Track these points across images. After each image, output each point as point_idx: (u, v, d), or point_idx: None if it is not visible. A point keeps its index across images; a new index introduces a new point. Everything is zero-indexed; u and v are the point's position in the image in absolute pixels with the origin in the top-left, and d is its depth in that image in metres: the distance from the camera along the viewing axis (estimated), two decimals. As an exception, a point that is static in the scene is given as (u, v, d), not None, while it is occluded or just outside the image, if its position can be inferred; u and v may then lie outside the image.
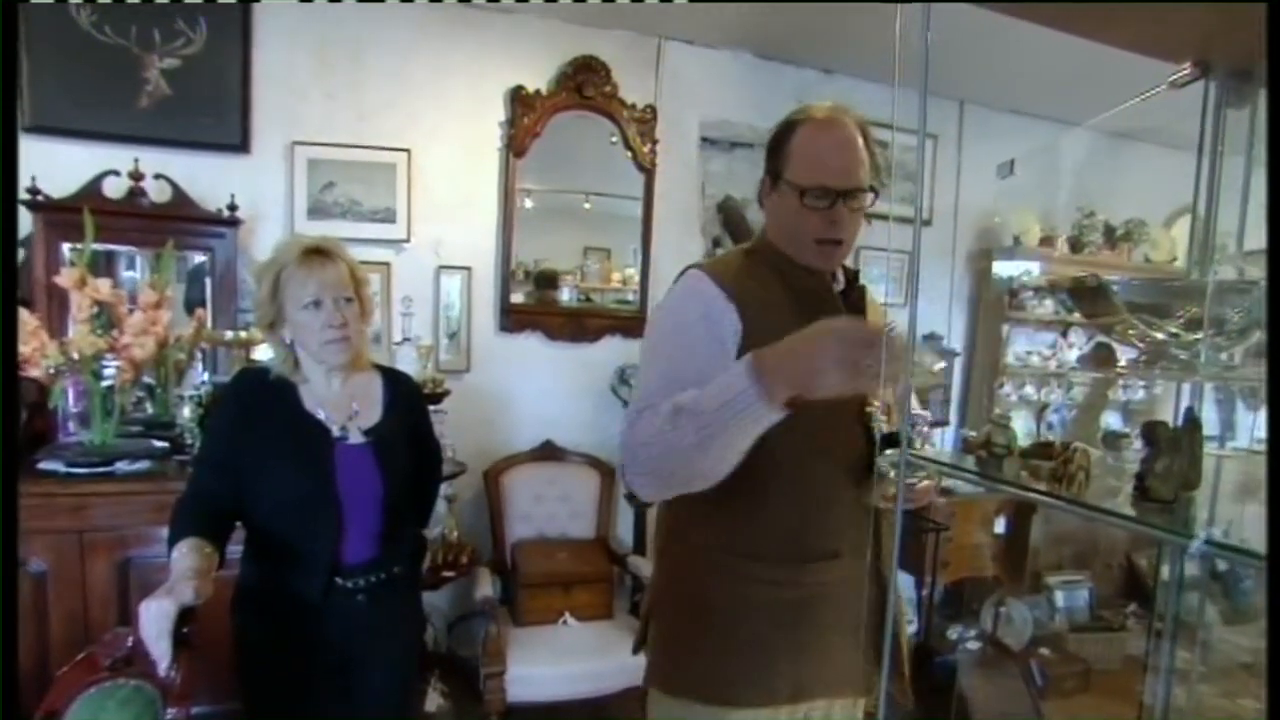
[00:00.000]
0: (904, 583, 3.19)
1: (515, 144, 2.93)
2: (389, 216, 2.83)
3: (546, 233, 3.11)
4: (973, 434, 0.91)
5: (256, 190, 2.70)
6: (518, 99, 2.93)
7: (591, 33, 3.05)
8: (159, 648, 1.10)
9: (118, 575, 2.24)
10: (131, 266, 2.62)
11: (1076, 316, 3.83)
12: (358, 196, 2.80)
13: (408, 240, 2.87)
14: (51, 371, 2.16)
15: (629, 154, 3.11)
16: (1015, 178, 3.39)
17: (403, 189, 2.83)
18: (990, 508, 3.38)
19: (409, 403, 1.65)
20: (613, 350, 3.17)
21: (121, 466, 2.30)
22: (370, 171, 2.79)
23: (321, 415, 1.49)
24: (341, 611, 1.47)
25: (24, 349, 2.15)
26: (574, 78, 2.98)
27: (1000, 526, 3.45)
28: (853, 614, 1.11)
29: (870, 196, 1.22)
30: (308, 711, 1.46)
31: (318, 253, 1.46)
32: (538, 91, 2.96)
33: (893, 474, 1.01)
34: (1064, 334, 4.04)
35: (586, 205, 3.21)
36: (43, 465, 2.26)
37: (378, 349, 2.83)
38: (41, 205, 2.40)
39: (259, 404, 1.48)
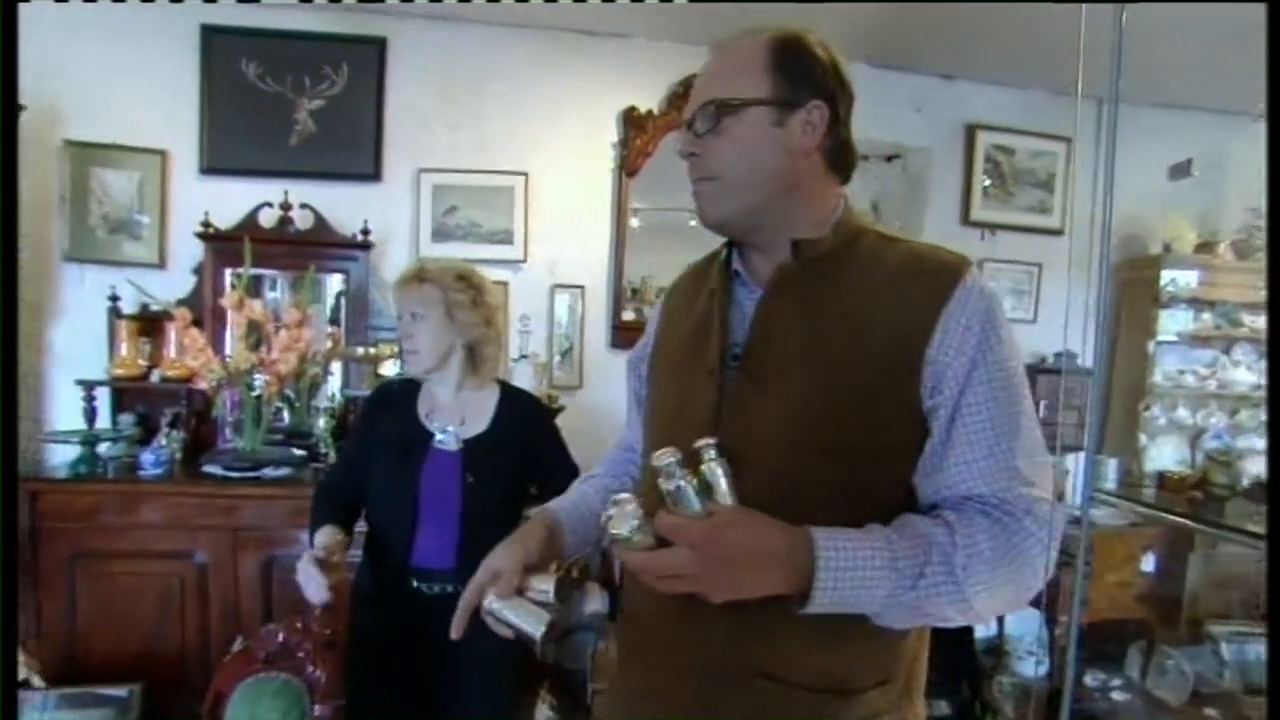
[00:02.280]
0: (1030, 620, 2.94)
1: (628, 164, 3.00)
2: (507, 238, 2.96)
3: (652, 250, 3.15)
4: (1178, 470, 0.78)
5: (387, 216, 2.91)
6: (630, 120, 3.00)
7: (702, 51, 3.04)
8: (312, 588, 1.38)
9: (263, 571, 2.44)
10: (274, 288, 2.88)
11: (1245, 330, 3.43)
12: (478, 219, 2.95)
13: (524, 260, 2.99)
14: (215, 385, 2.40)
15: (739, 169, 3.10)
16: (1163, 178, 3.11)
17: (520, 211, 2.96)
18: (1136, 543, 3.06)
19: (521, 419, 1.67)
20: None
21: (268, 472, 2.52)
22: (490, 195, 2.93)
23: (426, 420, 1.61)
24: (421, 615, 1.51)
25: (194, 364, 2.42)
26: (685, 96, 2.98)
27: (1149, 564, 3.12)
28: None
29: (713, 111, 0.84)
30: (391, 710, 1.52)
31: (412, 275, 1.62)
32: (649, 112, 3.01)
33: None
34: (1227, 350, 3.62)
35: (692, 223, 3.20)
36: (205, 469, 2.51)
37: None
38: (211, 236, 2.69)
39: (385, 406, 1.65)
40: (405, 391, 1.67)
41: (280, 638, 1.15)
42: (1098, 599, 2.99)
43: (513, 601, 0.86)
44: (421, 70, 2.96)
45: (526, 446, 1.64)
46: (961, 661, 2.73)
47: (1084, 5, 0.66)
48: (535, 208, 3.00)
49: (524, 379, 2.66)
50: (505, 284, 2.97)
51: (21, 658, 2.26)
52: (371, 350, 2.72)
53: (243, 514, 2.44)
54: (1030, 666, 2.72)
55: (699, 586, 0.73)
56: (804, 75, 0.85)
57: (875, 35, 2.96)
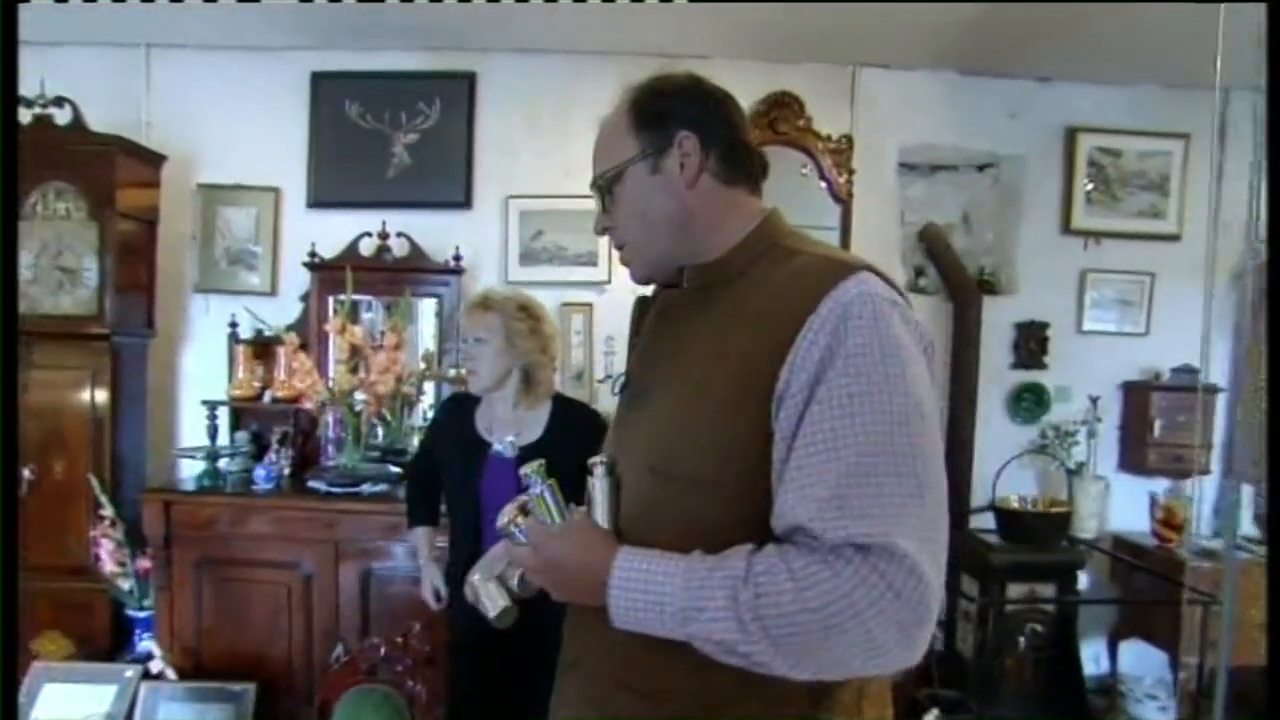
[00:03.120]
0: (1149, 658, 2.71)
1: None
2: (591, 260, 3.02)
3: None
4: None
5: (477, 241, 3.04)
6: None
7: (783, 69, 3.05)
8: (428, 590, 1.73)
9: (362, 582, 2.55)
10: (371, 310, 3.03)
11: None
12: (564, 243, 3.03)
13: (608, 282, 3.04)
14: (319, 405, 2.56)
15: (824, 185, 3.05)
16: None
17: (602, 234, 3.01)
18: (1280, 577, 2.78)
19: (574, 426, 1.81)
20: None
21: (366, 488, 2.65)
22: (575, 219, 3.00)
23: (484, 430, 1.81)
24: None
25: (301, 385, 2.58)
26: (767, 114, 2.99)
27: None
28: None
29: (602, 186, 0.91)
30: (474, 705, 1.66)
31: (478, 304, 1.84)
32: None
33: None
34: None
35: None
36: (310, 484, 2.67)
37: (579, 386, 3.02)
38: (316, 266, 2.89)
39: (450, 416, 1.91)
40: (468, 405, 1.87)
41: (381, 651, 1.20)
42: (1241, 640, 2.73)
43: (489, 582, 0.99)
44: (508, 101, 3.08)
45: (581, 454, 1.68)
46: (1067, 698, 2.57)
47: None
48: (617, 229, 3.05)
49: (609, 400, 2.70)
50: (590, 306, 3.03)
51: (157, 651, 2.47)
52: (462, 371, 2.82)
53: (343, 528, 2.57)
54: (1151, 711, 2.50)
55: (543, 584, 0.83)
56: (663, 116, 0.87)
57: (965, 42, 2.86)
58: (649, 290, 0.99)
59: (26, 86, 2.75)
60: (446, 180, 3.03)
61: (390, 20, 2.79)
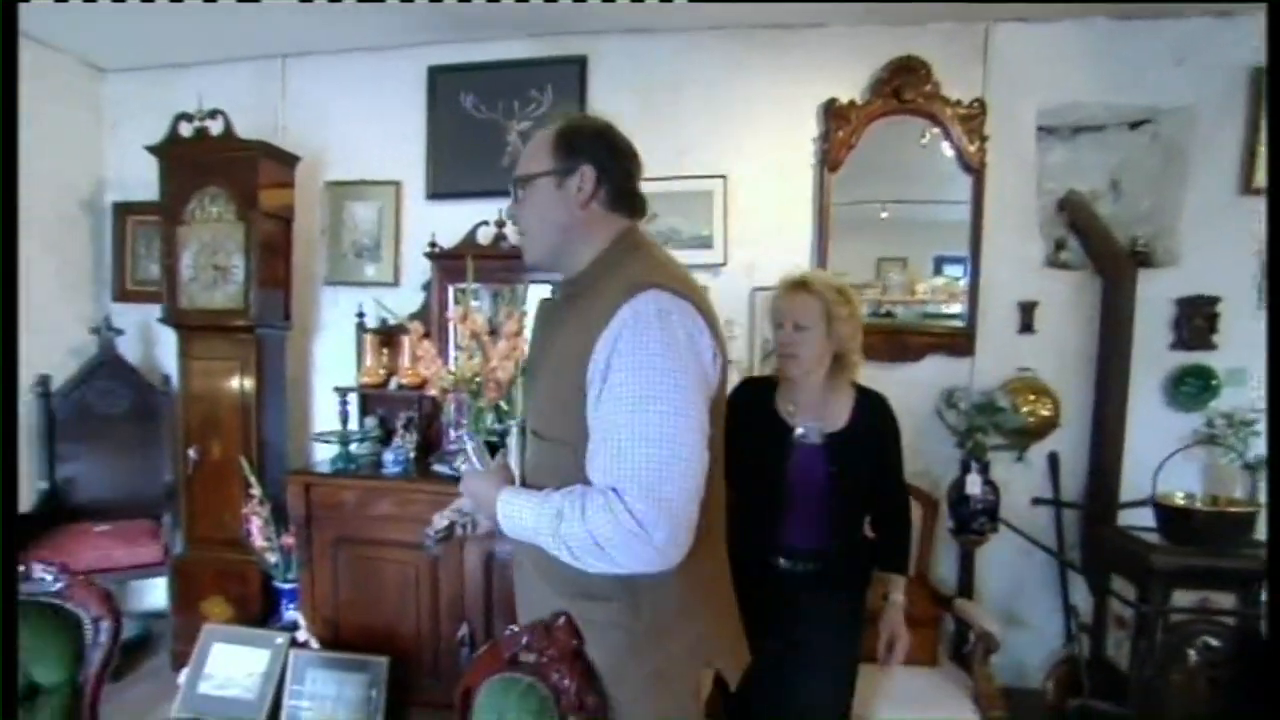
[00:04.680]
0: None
1: (829, 158, 2.85)
2: (706, 242, 2.95)
3: (848, 246, 2.95)
4: None
5: (591, 227, 3.02)
6: (831, 112, 2.85)
7: (907, 32, 2.85)
8: None
9: (484, 566, 2.63)
10: (492, 299, 3.08)
11: None
12: (678, 225, 2.96)
13: (724, 264, 2.96)
14: (443, 391, 2.62)
15: (952, 155, 2.83)
16: None
17: (719, 214, 2.93)
18: None
19: (877, 419, 1.80)
20: (937, 370, 2.89)
21: (490, 472, 2.70)
22: (688, 201, 2.94)
23: (786, 416, 1.78)
24: (781, 590, 1.71)
25: (425, 372, 2.66)
26: (890, 82, 2.81)
27: None
28: None
29: (518, 184, 1.22)
30: (754, 664, 1.66)
31: (795, 285, 1.78)
32: (852, 102, 2.85)
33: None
34: None
35: (883, 214, 3.00)
36: (434, 468, 2.76)
37: (694, 370, 2.96)
38: (436, 255, 2.96)
39: (745, 400, 1.78)
40: (765, 388, 1.85)
41: (524, 640, 1.19)
42: None
43: (443, 513, 1.42)
44: (620, 83, 3.04)
45: (879, 442, 1.80)
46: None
47: None
48: (734, 210, 2.96)
49: (728, 384, 2.63)
50: (705, 289, 2.95)
51: (302, 622, 2.64)
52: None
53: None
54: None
55: (473, 509, 1.35)
56: (575, 150, 1.16)
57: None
58: (549, 293, 1.35)
59: (187, 103, 2.99)
60: (560, 167, 3.04)
61: (502, 10, 2.81)
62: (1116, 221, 2.95)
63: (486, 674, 1.25)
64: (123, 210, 3.52)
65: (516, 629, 1.23)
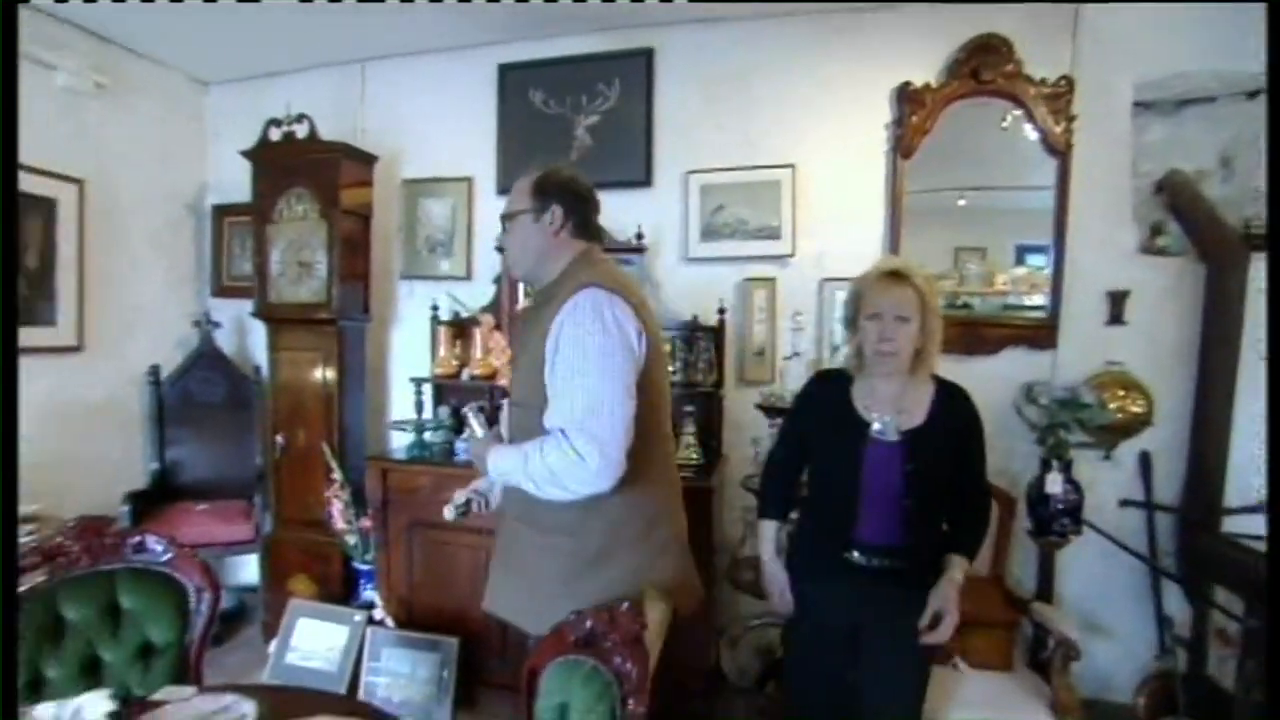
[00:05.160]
0: None
1: (903, 145, 2.76)
2: (774, 233, 2.90)
3: (923, 236, 2.84)
4: None
5: (658, 219, 3.03)
6: (905, 97, 2.75)
7: (986, 10, 2.72)
8: (775, 594, 1.84)
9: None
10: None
11: None
12: (745, 216, 2.94)
13: (792, 255, 2.91)
14: (514, 381, 2.70)
15: (1037, 136, 2.69)
16: None
17: (787, 204, 2.89)
18: None
19: (957, 415, 1.72)
20: (1016, 364, 2.76)
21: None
22: (756, 191, 2.90)
23: (862, 411, 1.72)
24: (852, 584, 1.70)
25: (496, 363, 2.74)
26: (968, 62, 2.69)
27: None
28: None
29: (505, 219, 1.63)
30: (819, 667, 1.76)
31: (892, 275, 1.68)
32: (927, 85, 2.75)
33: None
34: None
35: (961, 202, 2.87)
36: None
37: (761, 362, 2.93)
38: (504, 250, 3.03)
39: (819, 394, 1.83)
40: (841, 382, 1.79)
41: (588, 624, 1.22)
42: None
43: (462, 491, 1.75)
44: (687, 74, 3.03)
45: (958, 439, 1.72)
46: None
47: None
48: (803, 200, 2.90)
49: (795, 377, 2.59)
50: (773, 280, 2.92)
51: (378, 601, 2.77)
52: (644, 349, 2.84)
53: (535, 498, 2.71)
54: None
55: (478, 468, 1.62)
56: (547, 193, 1.56)
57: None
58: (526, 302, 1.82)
59: (276, 109, 3.18)
60: (626, 159, 3.05)
61: (571, 6, 2.85)
62: (1226, 202, 2.72)
63: (551, 656, 1.28)
64: (221, 212, 3.76)
65: (583, 613, 1.26)
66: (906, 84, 2.76)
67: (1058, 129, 2.65)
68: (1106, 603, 2.75)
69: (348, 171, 3.13)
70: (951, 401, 1.73)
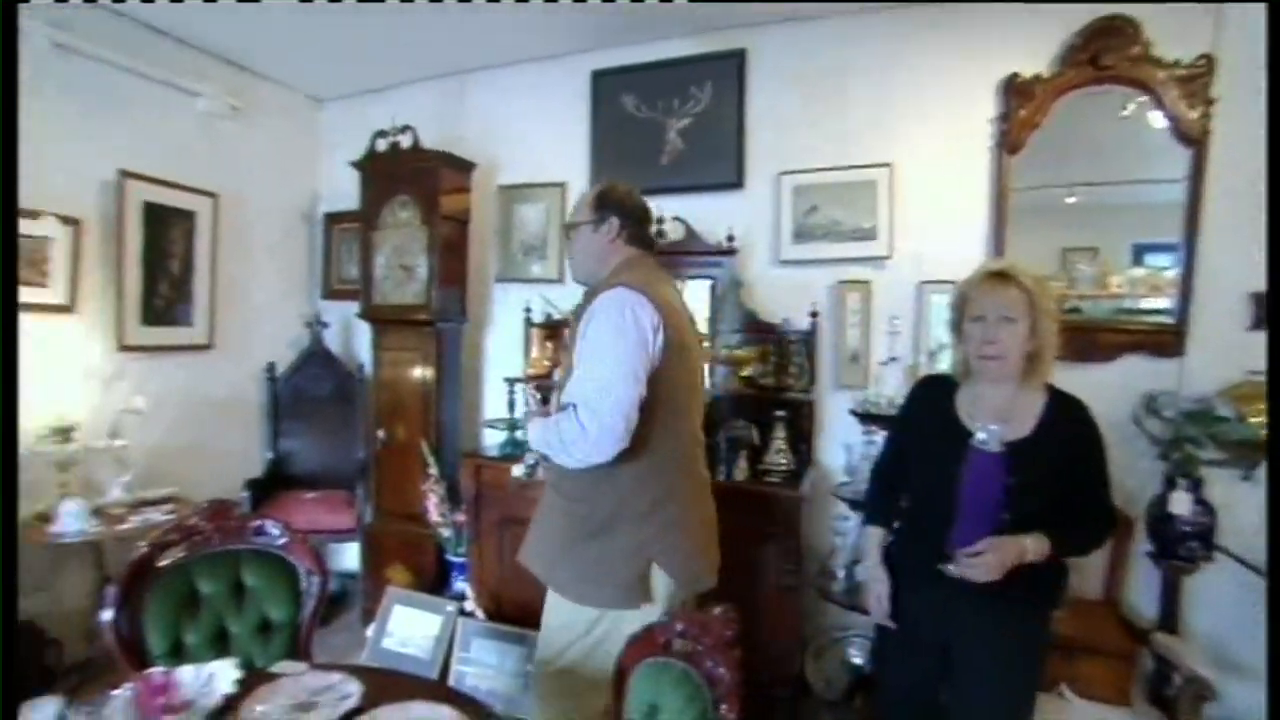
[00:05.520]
0: None
1: (1009, 140, 2.61)
2: (870, 234, 2.81)
3: (1028, 236, 2.67)
4: None
5: (749, 221, 3.00)
6: (1013, 89, 2.61)
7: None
8: (872, 601, 1.78)
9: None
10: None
11: None
12: (838, 217, 2.86)
13: (888, 256, 2.81)
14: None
15: (1166, 124, 2.48)
16: None
17: (883, 205, 2.79)
18: None
19: (1068, 426, 1.60)
20: (1134, 372, 2.54)
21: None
22: (851, 191, 2.82)
23: (965, 419, 1.64)
24: (945, 597, 1.61)
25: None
26: (1086, 48, 2.52)
27: None
28: None
29: (568, 227, 1.89)
30: (908, 681, 1.72)
31: (998, 276, 1.61)
32: (1037, 76, 2.59)
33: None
34: None
35: (1070, 199, 2.67)
36: (594, 456, 2.87)
37: (855, 367, 2.84)
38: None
39: (923, 400, 1.79)
40: (946, 388, 1.73)
41: (679, 627, 1.21)
42: None
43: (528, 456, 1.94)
44: (780, 74, 2.99)
45: (1071, 453, 1.59)
46: None
47: None
48: (900, 199, 2.80)
49: (891, 383, 2.50)
50: (867, 283, 2.83)
51: (469, 593, 2.86)
52: (736, 352, 2.81)
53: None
54: None
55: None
56: (605, 206, 1.78)
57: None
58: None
59: (382, 122, 3.36)
60: (718, 161, 3.03)
61: (661, 9, 2.86)
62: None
63: (641, 657, 1.29)
64: (331, 220, 4.01)
65: (675, 615, 1.26)
66: (1014, 76, 2.61)
67: (1192, 114, 2.44)
68: (1244, 638, 2.48)
69: (447, 179, 3.26)
70: (1064, 412, 1.61)
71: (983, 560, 1.52)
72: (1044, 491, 1.56)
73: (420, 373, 3.32)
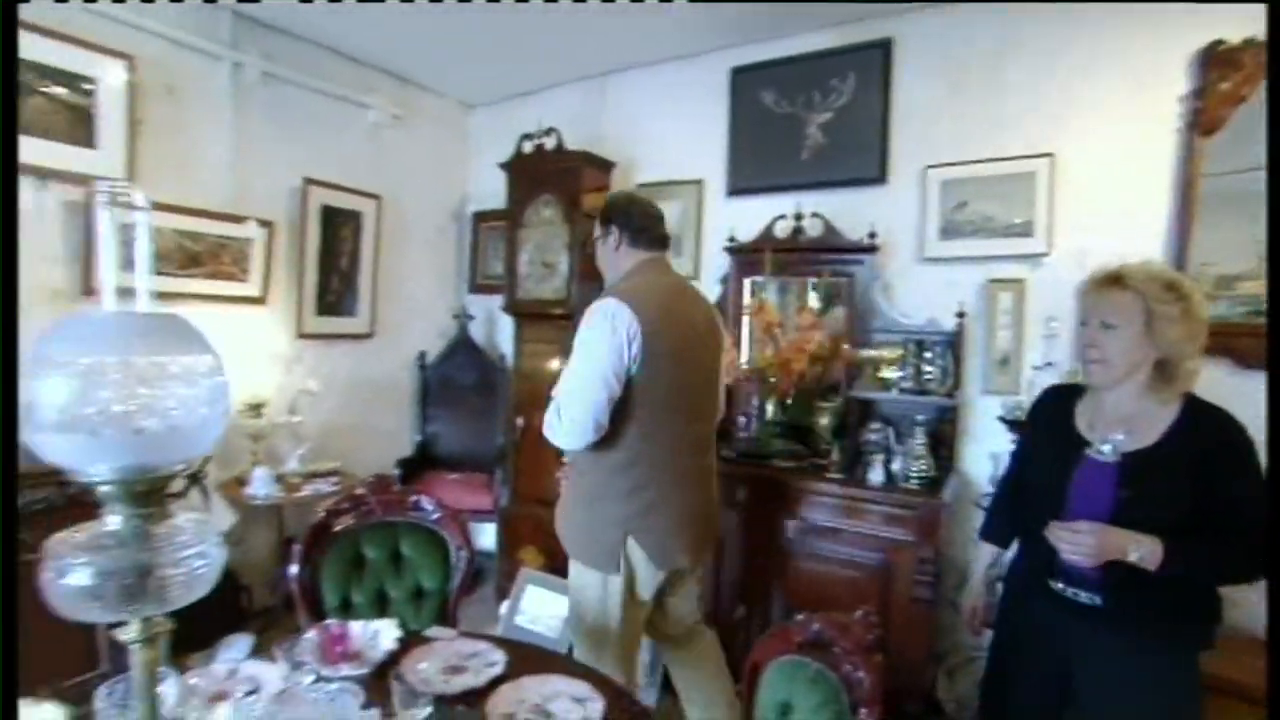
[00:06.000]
0: None
1: (1203, 119, 2.32)
2: (1026, 229, 2.61)
3: (1211, 228, 2.34)
4: None
5: (891, 217, 2.88)
6: (1213, 60, 2.31)
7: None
8: (972, 623, 1.84)
9: (767, 553, 2.68)
10: (785, 292, 3.10)
11: None
12: (990, 212, 2.68)
13: (1047, 254, 2.59)
14: (738, 379, 2.72)
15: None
16: None
17: (1042, 198, 2.57)
18: None
19: (1202, 438, 1.43)
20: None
21: (774, 461, 2.74)
22: (1005, 185, 2.63)
23: (1084, 428, 1.56)
24: (1057, 616, 1.53)
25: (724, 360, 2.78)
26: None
27: None
28: None
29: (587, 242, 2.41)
30: (1023, 699, 1.62)
31: (1109, 280, 1.51)
32: (1247, 42, 2.27)
33: None
34: None
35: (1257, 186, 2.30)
36: (723, 453, 2.86)
37: (1004, 371, 2.66)
38: (735, 250, 3.08)
39: (1045, 408, 1.72)
40: (1069, 396, 1.65)
41: (815, 628, 1.20)
42: None
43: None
44: (927, 63, 2.84)
45: (1204, 469, 1.41)
46: None
47: None
48: (1062, 192, 2.57)
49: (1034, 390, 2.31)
50: (1021, 282, 2.63)
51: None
52: (875, 353, 2.72)
53: (748, 494, 2.71)
54: None
55: None
56: (608, 219, 2.02)
57: None
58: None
59: (525, 125, 3.54)
60: (860, 156, 2.93)
61: (804, 5, 2.81)
62: None
63: (774, 654, 1.28)
64: (479, 218, 4.27)
65: (810, 616, 1.24)
66: (1216, 44, 2.30)
67: None
68: None
69: (588, 178, 3.38)
70: (1200, 423, 1.44)
71: (1079, 539, 1.40)
72: (1164, 507, 1.41)
73: (558, 364, 3.47)
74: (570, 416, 1.78)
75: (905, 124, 2.89)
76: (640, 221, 1.97)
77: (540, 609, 2.91)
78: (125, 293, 0.83)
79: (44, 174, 2.55)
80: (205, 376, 0.82)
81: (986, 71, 2.73)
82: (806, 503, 2.60)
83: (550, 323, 3.47)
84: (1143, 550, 1.37)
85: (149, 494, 0.83)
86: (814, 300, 2.82)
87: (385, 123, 3.77)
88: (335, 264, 3.59)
